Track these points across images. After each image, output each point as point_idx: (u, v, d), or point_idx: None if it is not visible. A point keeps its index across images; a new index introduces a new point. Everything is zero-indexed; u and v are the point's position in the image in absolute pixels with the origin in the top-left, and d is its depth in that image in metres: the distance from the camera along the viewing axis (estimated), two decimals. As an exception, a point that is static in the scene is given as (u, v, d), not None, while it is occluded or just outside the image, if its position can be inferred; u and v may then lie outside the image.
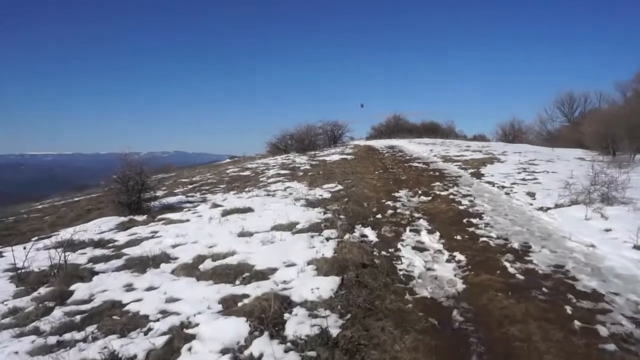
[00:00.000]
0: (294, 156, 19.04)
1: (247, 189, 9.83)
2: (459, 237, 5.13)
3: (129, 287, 4.12)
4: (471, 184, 8.78)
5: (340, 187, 9.00)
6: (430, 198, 7.52)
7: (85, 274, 4.53)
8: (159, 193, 11.03)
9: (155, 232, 6.43)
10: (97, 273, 4.61)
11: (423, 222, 5.90)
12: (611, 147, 12.36)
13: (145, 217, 7.68)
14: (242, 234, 5.65)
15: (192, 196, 9.69)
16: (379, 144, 26.22)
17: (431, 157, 15.34)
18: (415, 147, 20.54)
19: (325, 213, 6.45)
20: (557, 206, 6.34)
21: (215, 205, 7.89)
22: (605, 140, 12.81)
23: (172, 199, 9.27)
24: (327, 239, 5.09)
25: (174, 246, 5.43)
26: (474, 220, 5.87)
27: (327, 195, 8.10)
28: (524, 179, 8.97)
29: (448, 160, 13.50)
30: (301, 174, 11.91)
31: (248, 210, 7.25)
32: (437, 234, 5.33)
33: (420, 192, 8.13)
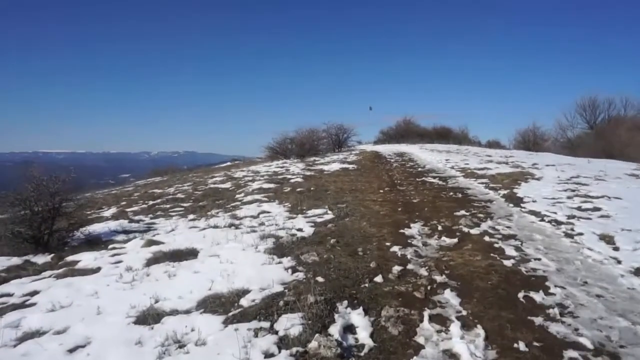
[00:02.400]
0: (291, 163, 16.86)
1: (211, 212, 7.56)
2: (522, 346, 2.77)
3: None
4: (510, 215, 6.37)
5: (330, 214, 6.67)
6: (456, 240, 5.15)
7: None
8: (109, 212, 8.84)
9: (33, 293, 4.18)
10: None
11: (451, 298, 3.54)
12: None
13: (49, 258, 5.43)
14: (144, 318, 3.34)
15: (139, 221, 7.43)
16: (387, 149, 23.90)
17: (448, 169, 12.93)
18: (427, 156, 18.11)
19: (295, 271, 4.14)
20: (667, 269, 3.94)
21: (149, 243, 5.59)
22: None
23: (109, 225, 7.04)
24: (280, 345, 2.78)
25: (20, 340, 3.17)
26: (537, 297, 3.49)
27: (309, 229, 5.79)
28: (580, 209, 6.53)
29: (470, 175, 11.05)
30: (288, 189, 9.61)
31: (189, 254, 4.97)
32: (480, 331, 2.97)
33: (440, 227, 5.76)
